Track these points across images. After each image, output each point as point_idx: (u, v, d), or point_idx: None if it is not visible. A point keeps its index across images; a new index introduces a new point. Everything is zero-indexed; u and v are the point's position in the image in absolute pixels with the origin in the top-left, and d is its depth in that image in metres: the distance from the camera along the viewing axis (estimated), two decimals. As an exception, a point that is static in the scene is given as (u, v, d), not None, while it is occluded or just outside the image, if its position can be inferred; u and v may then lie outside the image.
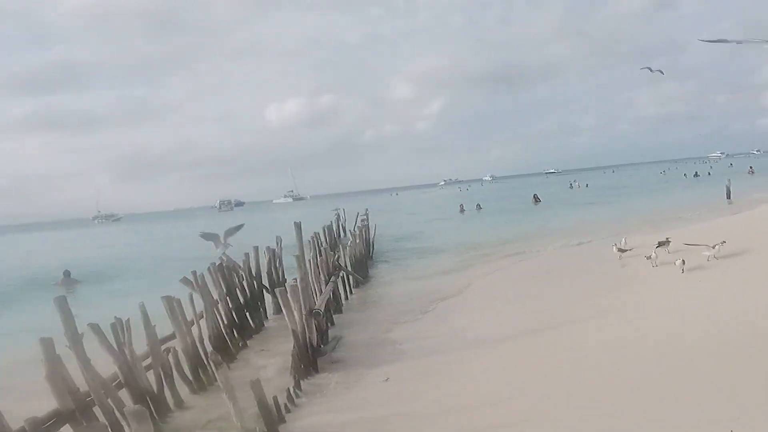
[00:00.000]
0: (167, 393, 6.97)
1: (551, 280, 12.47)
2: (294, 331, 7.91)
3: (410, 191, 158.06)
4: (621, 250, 12.98)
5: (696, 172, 54.48)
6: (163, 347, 7.37)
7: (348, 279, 14.98)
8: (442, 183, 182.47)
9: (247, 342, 10.23)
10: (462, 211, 39.66)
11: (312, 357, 8.13)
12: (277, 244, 13.83)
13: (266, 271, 13.08)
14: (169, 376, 7.14)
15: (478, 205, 40.75)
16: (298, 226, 12.86)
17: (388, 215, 45.08)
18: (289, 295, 7.81)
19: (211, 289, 9.52)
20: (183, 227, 68.29)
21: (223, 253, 12.46)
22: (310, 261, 12.48)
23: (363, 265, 16.89)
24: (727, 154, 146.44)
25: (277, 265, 13.24)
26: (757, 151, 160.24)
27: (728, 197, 26.16)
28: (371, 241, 21.87)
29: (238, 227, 14.32)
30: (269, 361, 8.90)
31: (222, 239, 13.34)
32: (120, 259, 29.49)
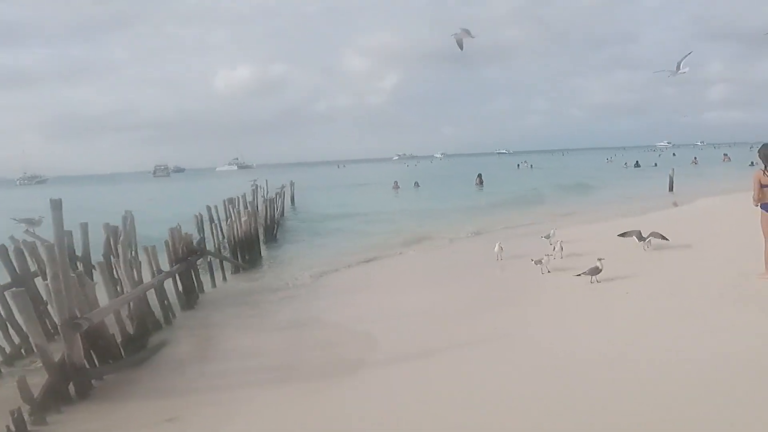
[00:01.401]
0: None
1: (448, 281, 10.26)
2: (38, 347, 5.43)
3: (361, 165, 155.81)
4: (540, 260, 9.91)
5: (637, 162, 53.77)
6: None
7: (222, 264, 12.49)
8: (396, 158, 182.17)
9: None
10: (396, 188, 37.46)
11: (77, 382, 5.67)
12: (124, 222, 10.98)
13: (104, 252, 10.41)
14: None
15: (416, 183, 38.68)
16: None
17: (323, 190, 42.53)
18: (14, 302, 5.23)
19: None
20: (107, 192, 63.64)
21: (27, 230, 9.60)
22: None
23: (253, 246, 14.36)
24: (673, 144, 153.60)
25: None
26: (701, 142, 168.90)
27: (671, 189, 25.08)
28: (275, 218, 19.22)
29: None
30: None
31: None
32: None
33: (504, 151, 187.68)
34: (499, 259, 10.61)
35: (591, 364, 5.21)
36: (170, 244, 9.91)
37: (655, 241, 10.20)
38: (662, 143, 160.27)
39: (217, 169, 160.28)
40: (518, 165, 63.69)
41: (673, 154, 79.05)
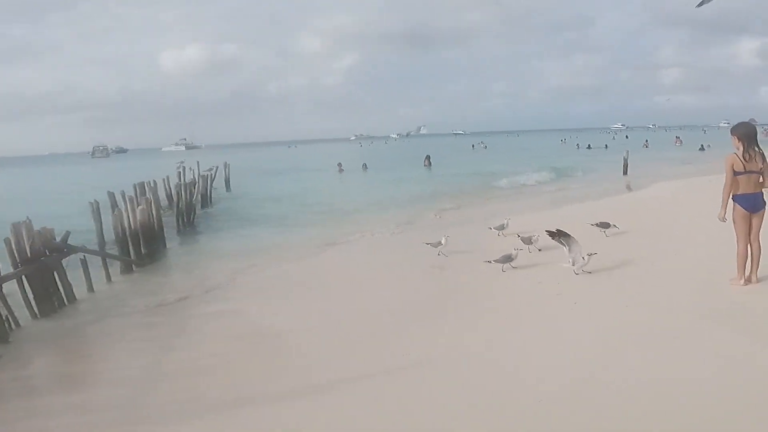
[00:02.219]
0: None
1: (378, 284, 8.47)
2: None
3: (316, 144, 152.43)
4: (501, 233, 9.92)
5: (589, 144, 54.28)
6: None
7: (105, 263, 10.35)
8: (353, 138, 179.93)
9: None
10: (340, 170, 35.46)
11: None
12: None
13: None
14: None
15: (365, 165, 36.78)
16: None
17: (266, 174, 39.89)
18: None
19: None
20: (34, 175, 58.82)
21: None
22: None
23: (154, 238, 12.23)
24: (627, 126, 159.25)
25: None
26: (652, 125, 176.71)
27: (625, 173, 24.27)
28: (192, 204, 16.96)
29: None
30: None
31: None
32: None
33: (461, 132, 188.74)
34: (441, 255, 8.99)
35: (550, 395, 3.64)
36: (13, 242, 7.73)
37: (614, 232, 9.01)
38: (617, 125, 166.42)
39: (163, 149, 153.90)
40: (473, 145, 63.31)
41: (626, 137, 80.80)
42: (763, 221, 5.56)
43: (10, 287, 7.52)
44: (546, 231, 7.11)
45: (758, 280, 5.64)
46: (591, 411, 3.58)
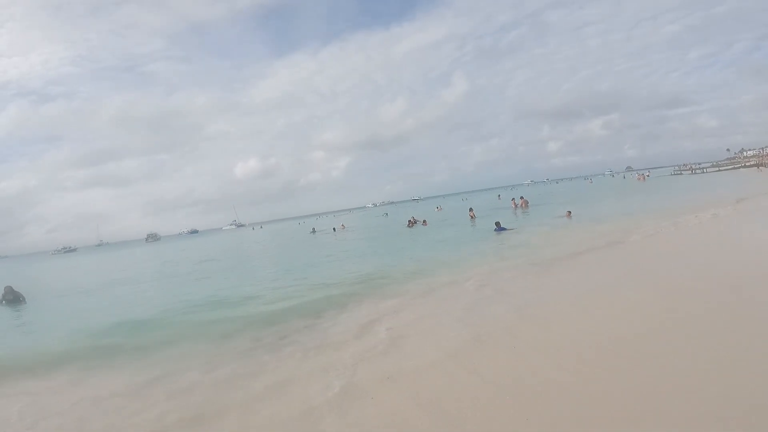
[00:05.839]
0: None
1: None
2: None
3: (324, 216, 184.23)
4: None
5: (499, 195, 63.54)
6: None
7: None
8: (371, 205, 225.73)
9: None
10: (313, 232, 46.78)
11: None
12: None
13: None
14: None
15: (341, 225, 48.40)
16: None
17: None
18: None
19: None
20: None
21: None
22: None
23: None
24: (532, 181, 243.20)
25: None
26: (547, 179, 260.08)
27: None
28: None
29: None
30: None
31: None
32: None
33: (417, 198, 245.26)
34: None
35: None
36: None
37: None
38: (526, 182, 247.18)
39: (223, 228, 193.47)
40: (437, 208, 68.14)
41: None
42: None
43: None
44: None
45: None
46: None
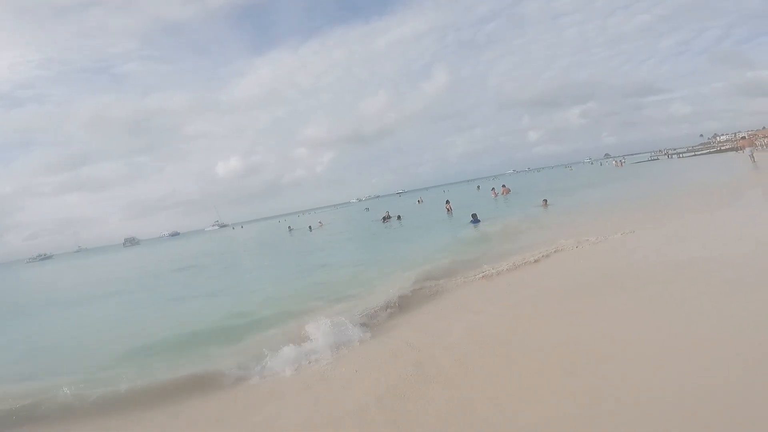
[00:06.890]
0: None
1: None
2: None
3: (307, 213, 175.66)
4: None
5: (478, 186, 63.10)
6: None
7: None
8: (355, 200, 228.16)
9: None
10: (290, 231, 46.91)
11: None
12: None
13: None
14: None
15: (310, 227, 43.64)
16: None
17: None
18: None
19: None
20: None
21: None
22: None
23: None
24: (515, 171, 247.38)
25: None
26: (528, 168, 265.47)
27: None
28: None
29: None
30: None
31: None
32: None
33: (401, 191, 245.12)
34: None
35: None
36: None
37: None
38: (509, 171, 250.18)
39: (205, 229, 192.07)
40: (418, 200, 67.71)
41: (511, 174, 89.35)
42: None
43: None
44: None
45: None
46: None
